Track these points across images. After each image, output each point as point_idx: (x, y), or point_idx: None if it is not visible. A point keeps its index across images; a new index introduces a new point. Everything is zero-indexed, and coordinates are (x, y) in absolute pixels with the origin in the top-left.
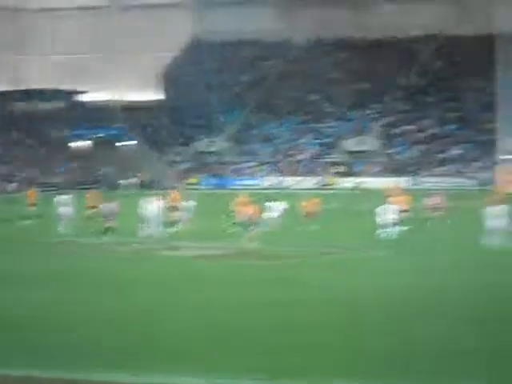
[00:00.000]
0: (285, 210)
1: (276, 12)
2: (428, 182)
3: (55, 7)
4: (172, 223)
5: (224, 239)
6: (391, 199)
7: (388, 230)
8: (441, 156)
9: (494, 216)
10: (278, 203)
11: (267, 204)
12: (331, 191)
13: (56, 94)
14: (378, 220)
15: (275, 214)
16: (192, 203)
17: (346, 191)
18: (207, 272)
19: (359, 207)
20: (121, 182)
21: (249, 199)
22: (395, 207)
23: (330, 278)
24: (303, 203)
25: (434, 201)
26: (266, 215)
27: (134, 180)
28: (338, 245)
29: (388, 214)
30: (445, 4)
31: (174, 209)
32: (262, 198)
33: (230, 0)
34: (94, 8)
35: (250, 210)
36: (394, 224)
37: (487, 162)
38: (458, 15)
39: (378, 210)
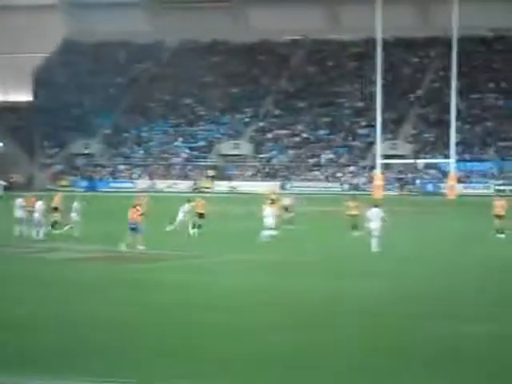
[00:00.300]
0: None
1: (149, 14)
2: (300, 186)
3: None
4: (54, 225)
5: (108, 242)
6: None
7: (269, 232)
8: (313, 161)
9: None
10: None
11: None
12: (207, 195)
13: None
14: (265, 222)
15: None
16: (78, 205)
17: (221, 195)
18: (65, 273)
19: (238, 210)
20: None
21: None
22: (275, 210)
23: (181, 280)
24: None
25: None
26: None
27: (2, 182)
28: (215, 248)
29: (271, 216)
30: (318, 9)
31: (56, 210)
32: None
33: (103, 2)
34: None
35: (135, 213)
36: (272, 227)
37: (360, 166)
38: (332, 20)
39: (265, 213)
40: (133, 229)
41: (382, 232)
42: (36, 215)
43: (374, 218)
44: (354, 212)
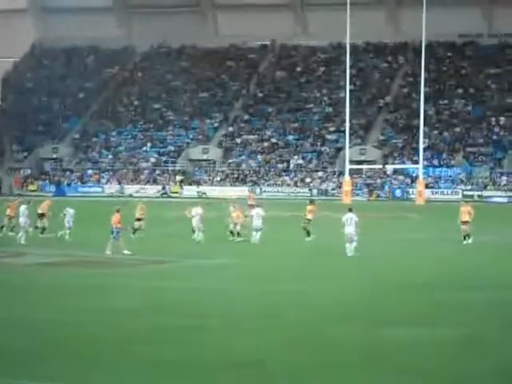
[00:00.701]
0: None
1: (119, 19)
2: (269, 191)
3: None
4: (42, 231)
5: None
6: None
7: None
8: (282, 166)
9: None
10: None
11: None
12: (175, 199)
13: None
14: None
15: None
16: (71, 210)
17: (191, 199)
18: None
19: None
20: None
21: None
22: (261, 212)
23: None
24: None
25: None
26: None
27: None
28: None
29: (258, 219)
30: (287, 14)
31: (43, 216)
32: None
33: (73, 7)
34: None
35: (115, 218)
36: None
37: (329, 172)
38: (300, 25)
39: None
40: (115, 233)
41: (357, 237)
42: (21, 220)
43: (349, 223)
44: (308, 216)
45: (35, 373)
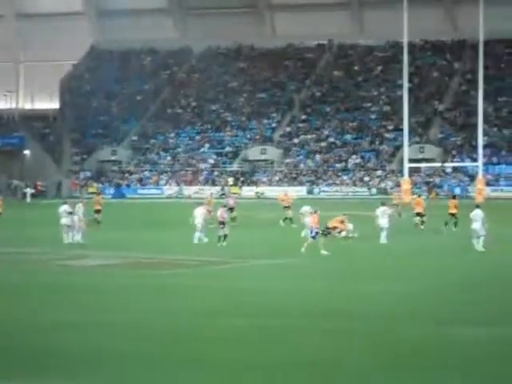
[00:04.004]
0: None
1: (176, 20)
2: (327, 191)
3: None
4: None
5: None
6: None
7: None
8: (340, 165)
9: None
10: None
11: None
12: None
13: None
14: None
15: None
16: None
17: (249, 200)
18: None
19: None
20: (27, 190)
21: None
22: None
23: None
24: None
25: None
26: None
27: (31, 190)
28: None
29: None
30: (344, 13)
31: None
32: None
33: (130, 9)
34: None
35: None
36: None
37: (387, 170)
38: (357, 24)
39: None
40: (314, 233)
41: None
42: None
43: (476, 219)
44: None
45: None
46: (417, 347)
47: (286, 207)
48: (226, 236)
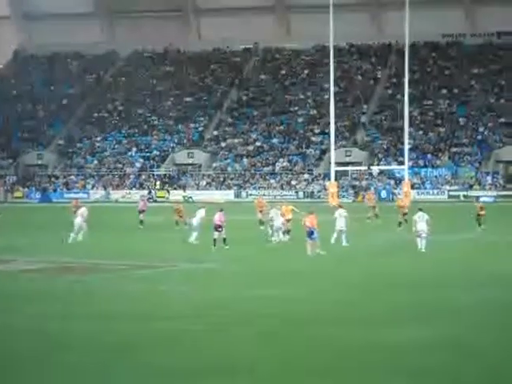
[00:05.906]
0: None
1: (102, 25)
2: (255, 194)
3: None
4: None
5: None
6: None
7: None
8: (267, 169)
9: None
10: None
11: None
12: (162, 204)
13: None
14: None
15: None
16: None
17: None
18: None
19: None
20: None
21: None
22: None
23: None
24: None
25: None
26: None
27: None
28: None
29: (277, 221)
30: (270, 17)
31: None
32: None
33: (56, 13)
34: None
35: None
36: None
37: (314, 174)
38: (284, 28)
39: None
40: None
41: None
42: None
43: (421, 220)
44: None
45: None
46: (342, 350)
47: (261, 211)
48: (224, 239)
